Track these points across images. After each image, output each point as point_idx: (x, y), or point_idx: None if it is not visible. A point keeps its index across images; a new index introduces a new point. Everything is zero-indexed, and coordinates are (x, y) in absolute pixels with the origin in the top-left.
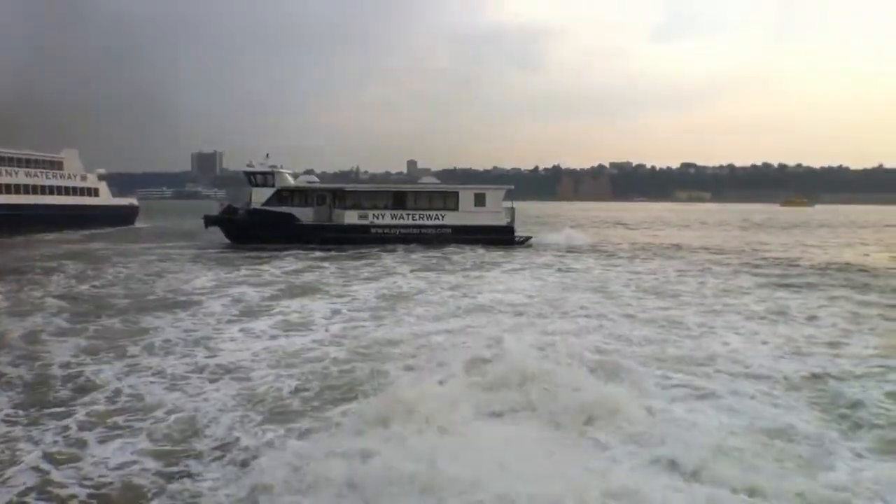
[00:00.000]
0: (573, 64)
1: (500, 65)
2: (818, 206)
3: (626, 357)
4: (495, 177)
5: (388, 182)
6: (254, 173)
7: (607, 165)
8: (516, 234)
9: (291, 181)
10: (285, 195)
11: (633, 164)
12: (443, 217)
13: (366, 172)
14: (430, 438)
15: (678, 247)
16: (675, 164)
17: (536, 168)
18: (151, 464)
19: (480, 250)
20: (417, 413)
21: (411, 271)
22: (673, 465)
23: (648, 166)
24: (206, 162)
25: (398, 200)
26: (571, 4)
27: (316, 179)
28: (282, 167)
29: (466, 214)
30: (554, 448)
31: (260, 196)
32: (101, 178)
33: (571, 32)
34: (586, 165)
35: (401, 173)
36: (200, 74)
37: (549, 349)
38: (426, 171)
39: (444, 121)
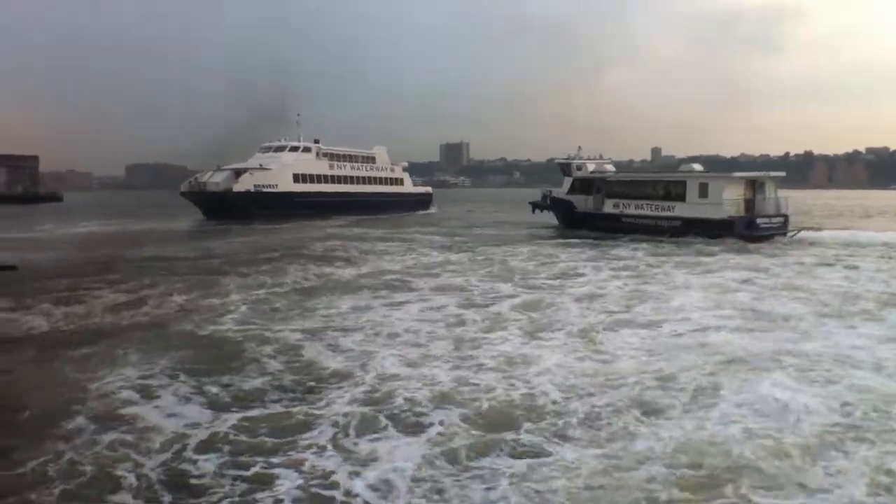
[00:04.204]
0: (818, 45)
1: (739, 48)
2: None
3: None
4: (743, 164)
5: (631, 170)
6: (564, 163)
7: (863, 151)
8: (788, 227)
9: (590, 169)
10: (577, 185)
11: (891, 150)
12: (673, 209)
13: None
14: None
15: None
16: None
17: (787, 154)
18: None
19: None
20: None
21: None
22: None
23: None
24: (453, 152)
25: (638, 189)
26: None
27: (611, 168)
28: (597, 157)
29: (694, 206)
30: None
31: (565, 185)
32: (404, 170)
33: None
34: (840, 151)
35: (644, 160)
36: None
37: None
38: (671, 159)
39: (683, 107)
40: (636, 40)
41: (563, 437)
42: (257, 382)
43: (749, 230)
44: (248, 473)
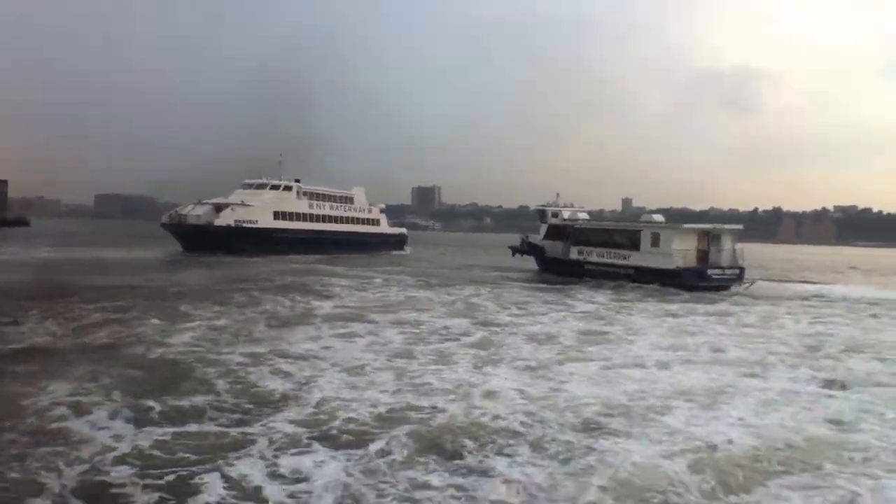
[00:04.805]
0: (791, 108)
1: (713, 108)
2: None
3: None
4: (713, 217)
5: (602, 219)
6: (541, 210)
7: (831, 209)
8: (743, 279)
9: (565, 216)
10: (551, 231)
11: (859, 209)
12: (628, 257)
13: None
14: None
15: None
16: None
17: (756, 210)
18: None
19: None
20: None
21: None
22: None
23: (875, 210)
24: (425, 196)
25: (600, 237)
26: (789, 48)
27: (585, 216)
28: (569, 205)
29: (646, 255)
30: None
31: (541, 231)
32: (381, 211)
33: (787, 76)
34: (808, 208)
35: (615, 211)
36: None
37: None
38: (641, 210)
39: (656, 161)
40: (613, 94)
41: (506, 455)
42: (198, 401)
43: (698, 280)
44: (170, 483)
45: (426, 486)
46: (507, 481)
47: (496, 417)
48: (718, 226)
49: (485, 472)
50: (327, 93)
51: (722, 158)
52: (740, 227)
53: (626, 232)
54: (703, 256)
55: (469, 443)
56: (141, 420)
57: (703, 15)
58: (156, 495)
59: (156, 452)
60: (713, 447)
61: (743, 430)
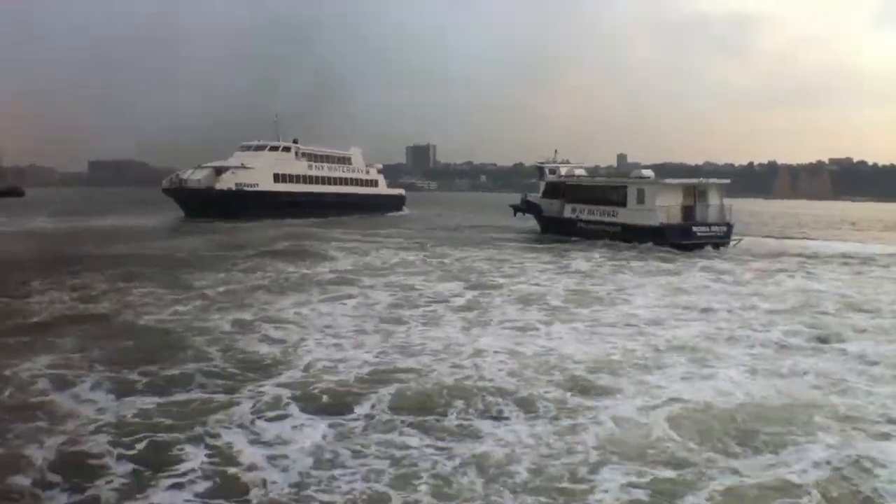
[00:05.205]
0: (784, 53)
1: (705, 54)
2: None
3: None
4: (707, 172)
5: (598, 175)
6: (539, 167)
7: (826, 161)
8: (731, 236)
9: (562, 173)
10: (548, 189)
11: (855, 161)
12: (616, 214)
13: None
14: None
15: None
16: None
17: (751, 164)
18: None
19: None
20: None
21: None
22: None
23: (871, 163)
24: (420, 154)
25: (591, 194)
26: None
27: (583, 172)
28: (565, 161)
29: (632, 212)
30: None
31: (540, 189)
32: (378, 171)
33: (781, 19)
34: (804, 161)
35: (611, 167)
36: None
37: None
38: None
39: (650, 113)
40: (603, 42)
41: (496, 418)
42: (186, 369)
43: (682, 238)
44: (150, 451)
45: (405, 446)
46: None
47: (483, 378)
48: (704, 180)
49: (471, 434)
50: (327, 42)
51: (717, 107)
52: (727, 181)
53: (614, 188)
54: (688, 212)
55: (458, 403)
56: (124, 390)
57: None
58: (132, 466)
59: (138, 420)
60: (701, 404)
61: (732, 386)
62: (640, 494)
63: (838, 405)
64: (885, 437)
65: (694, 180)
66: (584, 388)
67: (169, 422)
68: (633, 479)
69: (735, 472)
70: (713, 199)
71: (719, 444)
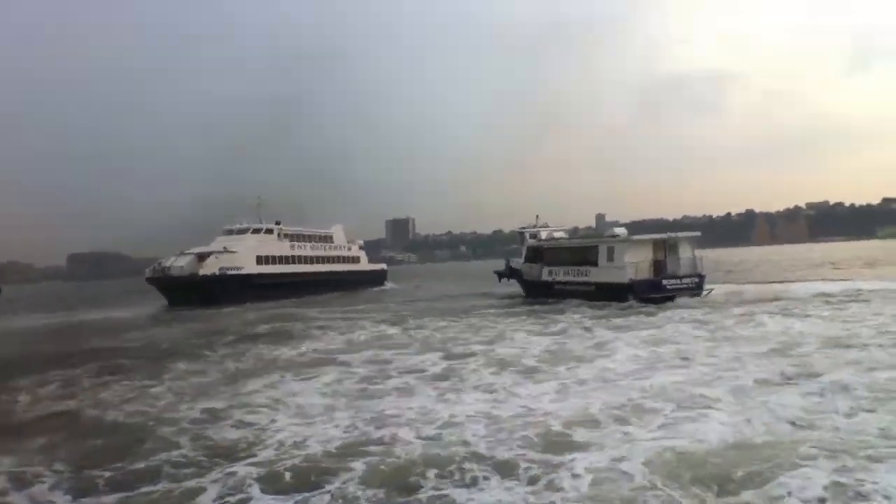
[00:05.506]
0: (756, 107)
1: (681, 113)
2: None
3: None
4: (685, 225)
5: (577, 237)
6: (520, 232)
7: (803, 206)
8: (703, 286)
9: (543, 237)
10: (529, 253)
11: (831, 203)
12: (588, 273)
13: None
14: None
15: None
16: (874, 201)
17: (728, 214)
18: None
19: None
20: None
21: None
22: None
23: (847, 204)
24: (399, 228)
25: (566, 256)
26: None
27: (563, 235)
28: (545, 225)
29: (603, 270)
30: None
31: (523, 254)
32: (360, 247)
33: (752, 76)
34: (781, 207)
35: (589, 227)
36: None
37: None
38: (615, 224)
39: (627, 173)
40: (580, 107)
41: (471, 485)
42: (155, 461)
43: (652, 292)
44: None
45: None
46: None
47: (456, 444)
48: (674, 235)
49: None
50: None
51: (694, 162)
52: (697, 233)
53: (587, 248)
54: (659, 267)
55: (431, 472)
56: (85, 489)
57: (665, 18)
58: None
59: None
60: (682, 450)
61: (713, 432)
62: None
63: (822, 439)
64: (873, 463)
65: (664, 235)
66: (561, 445)
67: None
68: None
69: None
70: (684, 252)
71: (702, 488)
